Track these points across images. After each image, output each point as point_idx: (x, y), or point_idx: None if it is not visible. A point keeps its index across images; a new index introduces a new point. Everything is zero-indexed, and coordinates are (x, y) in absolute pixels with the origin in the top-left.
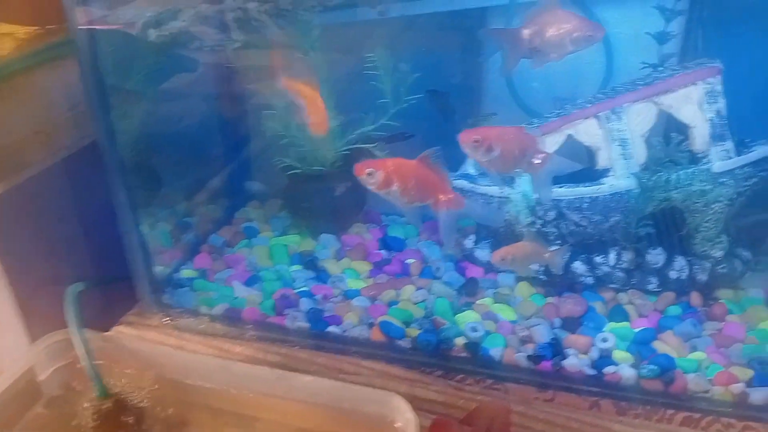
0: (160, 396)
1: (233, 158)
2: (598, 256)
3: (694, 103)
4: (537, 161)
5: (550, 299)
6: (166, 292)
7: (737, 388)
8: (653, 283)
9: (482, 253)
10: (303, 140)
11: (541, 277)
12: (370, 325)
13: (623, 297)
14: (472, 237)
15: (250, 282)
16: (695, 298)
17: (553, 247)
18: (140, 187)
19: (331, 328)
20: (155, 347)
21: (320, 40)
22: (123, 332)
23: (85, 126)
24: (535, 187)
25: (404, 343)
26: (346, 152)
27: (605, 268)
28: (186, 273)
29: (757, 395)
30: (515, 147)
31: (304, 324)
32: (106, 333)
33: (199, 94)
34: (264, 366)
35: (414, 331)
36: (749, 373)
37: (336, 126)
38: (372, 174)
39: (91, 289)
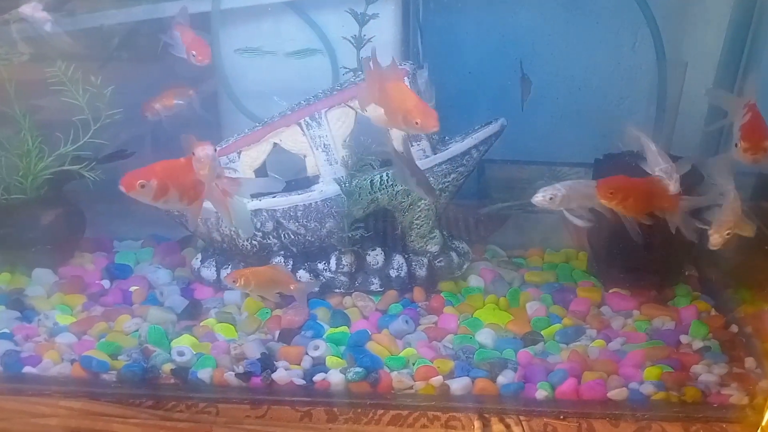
0: None
1: None
2: (320, 262)
3: None
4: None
5: (277, 311)
6: None
7: (437, 381)
8: (375, 284)
9: (208, 273)
10: None
11: None
12: (72, 362)
13: (348, 300)
14: (199, 256)
15: None
16: (418, 293)
17: (303, 279)
18: None
19: (28, 370)
20: None
21: None
22: None
23: None
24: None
25: (109, 377)
26: (50, 177)
27: (328, 274)
28: None
29: (456, 385)
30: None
31: None
32: None
33: None
34: None
35: (120, 363)
36: (450, 364)
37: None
38: (145, 186)
39: None
